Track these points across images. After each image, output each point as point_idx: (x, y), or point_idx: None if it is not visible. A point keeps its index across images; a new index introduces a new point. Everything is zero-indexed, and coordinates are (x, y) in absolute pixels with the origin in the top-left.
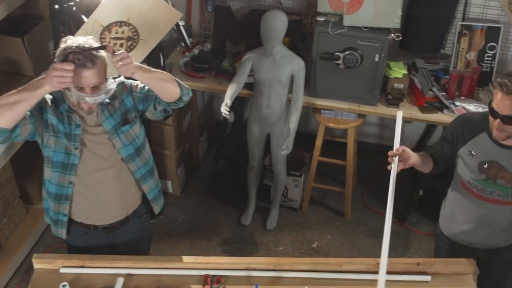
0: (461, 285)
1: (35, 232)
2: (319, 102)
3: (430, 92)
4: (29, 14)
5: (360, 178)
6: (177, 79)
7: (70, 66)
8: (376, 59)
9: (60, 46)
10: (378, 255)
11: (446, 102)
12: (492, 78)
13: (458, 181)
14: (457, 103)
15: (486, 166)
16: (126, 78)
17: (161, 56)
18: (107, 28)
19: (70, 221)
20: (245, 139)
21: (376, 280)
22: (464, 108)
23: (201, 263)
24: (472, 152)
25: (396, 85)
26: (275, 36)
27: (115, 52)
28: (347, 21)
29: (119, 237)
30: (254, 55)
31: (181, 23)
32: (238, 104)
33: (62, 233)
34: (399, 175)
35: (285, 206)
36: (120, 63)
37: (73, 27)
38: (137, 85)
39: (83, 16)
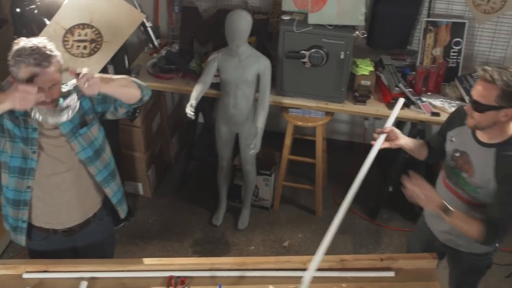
0: (425, 280)
1: (4, 239)
2: (287, 101)
3: (396, 88)
4: None
5: (331, 175)
6: (136, 80)
7: (34, 89)
8: (342, 56)
9: (13, 48)
10: (349, 252)
11: (413, 98)
12: (458, 74)
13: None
14: (424, 99)
15: (457, 154)
16: None
17: (126, 58)
18: (70, 30)
19: (30, 226)
20: (214, 139)
21: (340, 277)
22: (430, 103)
23: (165, 265)
24: (452, 139)
25: (363, 82)
26: (240, 35)
27: (79, 74)
28: (312, 19)
29: (80, 240)
30: (220, 55)
31: (148, 24)
32: (207, 104)
33: (22, 240)
34: (370, 172)
35: (256, 205)
36: (86, 84)
37: (36, 30)
38: (95, 100)
39: (45, 19)
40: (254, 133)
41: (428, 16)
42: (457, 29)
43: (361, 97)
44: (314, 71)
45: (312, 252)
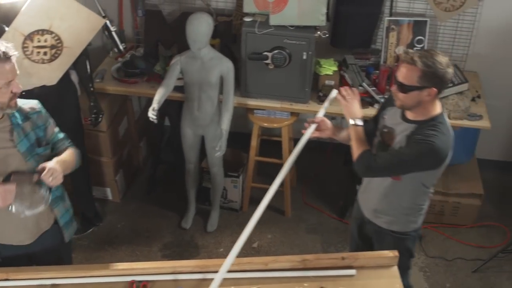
0: (386, 277)
1: None
2: (252, 102)
3: (360, 87)
4: None
5: (300, 176)
6: (76, 152)
7: (12, 187)
8: (304, 57)
9: None
10: (318, 251)
11: (377, 97)
12: None
13: None
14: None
15: (385, 130)
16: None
17: (87, 63)
18: (29, 37)
19: None
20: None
21: (302, 277)
22: None
23: (126, 270)
24: (384, 117)
25: (327, 82)
26: (201, 38)
27: (43, 170)
28: (273, 20)
29: (34, 247)
30: (182, 58)
31: (112, 28)
32: (173, 108)
33: None
34: (339, 172)
35: (226, 207)
36: (51, 178)
37: None
38: (52, 127)
39: (4, 26)
40: (219, 135)
41: (390, 15)
42: (419, 27)
43: (326, 97)
44: (277, 72)
45: (282, 253)
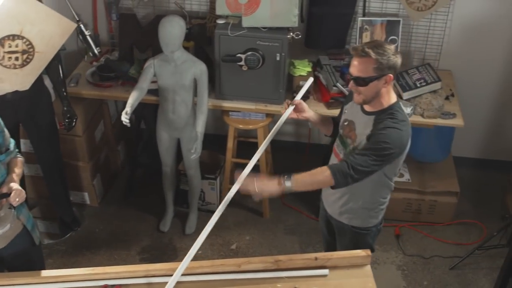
0: (359, 277)
1: None
2: (226, 104)
3: (334, 88)
4: None
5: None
6: (23, 160)
7: None
8: (278, 58)
9: None
10: (297, 252)
11: None
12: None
13: None
14: None
15: (346, 123)
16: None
17: (60, 68)
18: (0, 42)
19: None
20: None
21: (275, 278)
22: None
23: (99, 274)
24: (345, 111)
25: (301, 82)
26: (173, 41)
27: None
28: (246, 22)
29: (6, 251)
30: (156, 61)
31: (87, 32)
32: (148, 111)
33: None
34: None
35: (204, 209)
36: (18, 199)
37: None
38: (7, 133)
39: None
40: (194, 138)
41: (364, 15)
42: (392, 27)
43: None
44: (251, 74)
45: (260, 254)
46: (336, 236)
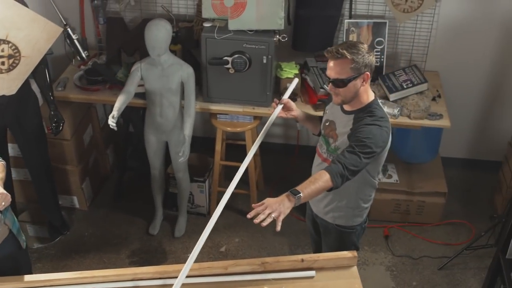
0: (346, 278)
1: None
2: (214, 107)
3: (322, 89)
4: None
5: (267, 178)
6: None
7: None
8: (264, 61)
9: None
10: (286, 253)
11: None
12: (383, 72)
13: None
14: None
15: (327, 123)
16: None
17: (47, 72)
18: None
19: None
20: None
21: (262, 280)
22: None
23: (87, 277)
24: (327, 111)
25: (288, 85)
26: (160, 45)
27: None
28: (232, 25)
29: None
30: (143, 65)
31: (74, 36)
32: (136, 114)
33: None
34: (306, 173)
35: (193, 212)
36: (3, 203)
37: None
38: None
39: None
40: (182, 141)
41: (350, 17)
42: (378, 29)
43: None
44: (238, 77)
45: (249, 256)
46: (322, 235)
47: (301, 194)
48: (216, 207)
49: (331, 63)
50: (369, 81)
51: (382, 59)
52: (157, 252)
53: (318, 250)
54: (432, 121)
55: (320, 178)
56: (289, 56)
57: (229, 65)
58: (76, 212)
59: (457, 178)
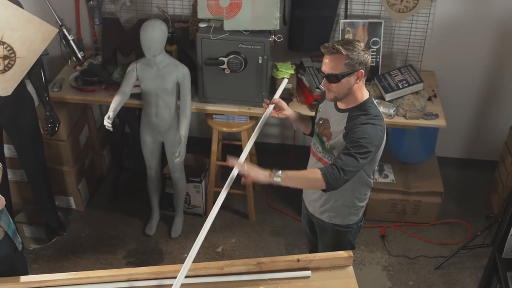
0: (342, 278)
1: None
2: (210, 108)
3: (317, 90)
4: None
5: None
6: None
7: None
8: (260, 61)
9: None
10: (283, 253)
11: None
12: (378, 72)
13: None
14: None
15: (321, 122)
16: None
17: (42, 73)
18: None
19: None
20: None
21: (258, 280)
22: None
23: (82, 278)
24: (320, 109)
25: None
26: (155, 45)
27: None
28: (228, 25)
29: None
30: (138, 65)
31: (70, 37)
32: (132, 115)
33: None
34: None
35: (190, 212)
36: None
37: None
38: None
39: None
40: (178, 141)
41: (346, 17)
42: (374, 29)
43: (283, 100)
44: (234, 77)
45: (246, 256)
46: (318, 235)
47: (281, 174)
48: (212, 207)
49: (326, 59)
50: (363, 79)
51: (377, 59)
52: (153, 252)
53: (314, 250)
54: (428, 121)
55: (310, 173)
56: (284, 56)
57: (225, 66)
58: (73, 213)
59: (453, 177)
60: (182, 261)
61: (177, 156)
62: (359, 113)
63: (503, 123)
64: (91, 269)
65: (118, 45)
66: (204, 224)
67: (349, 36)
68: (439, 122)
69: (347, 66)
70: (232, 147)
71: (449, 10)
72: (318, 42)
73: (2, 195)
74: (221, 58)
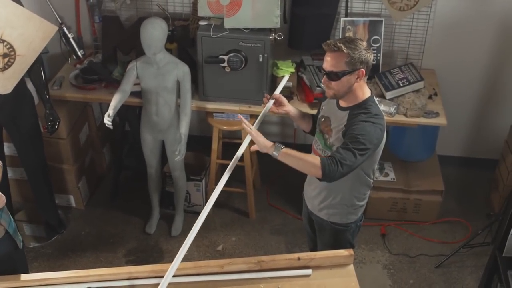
0: (342, 276)
1: None
2: (210, 106)
3: (318, 88)
4: None
5: (264, 177)
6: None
7: None
8: (260, 59)
9: None
10: (283, 252)
11: None
12: (379, 71)
13: None
14: None
15: (323, 119)
16: None
17: (42, 71)
18: None
19: None
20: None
21: (258, 278)
22: None
23: (82, 276)
24: (322, 107)
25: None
26: (155, 43)
27: None
28: (228, 23)
29: None
30: (138, 63)
31: (70, 35)
32: (132, 113)
33: None
34: (301, 174)
35: (190, 211)
36: None
37: None
38: None
39: None
40: (179, 140)
41: (346, 15)
42: (374, 27)
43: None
44: (234, 75)
45: (246, 255)
46: (317, 233)
47: (281, 148)
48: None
49: (328, 56)
50: (365, 78)
51: (378, 57)
52: (154, 251)
53: (314, 248)
54: (428, 119)
55: (309, 157)
56: (285, 54)
57: (225, 64)
58: (73, 211)
59: (453, 176)
60: (182, 259)
61: (177, 155)
62: (360, 111)
63: (504, 121)
64: (91, 267)
65: (118, 43)
66: (207, 204)
67: (349, 34)
68: (440, 121)
69: (348, 65)
70: (232, 145)
71: (450, 8)
72: (318, 40)
73: (2, 193)
74: (221, 56)
